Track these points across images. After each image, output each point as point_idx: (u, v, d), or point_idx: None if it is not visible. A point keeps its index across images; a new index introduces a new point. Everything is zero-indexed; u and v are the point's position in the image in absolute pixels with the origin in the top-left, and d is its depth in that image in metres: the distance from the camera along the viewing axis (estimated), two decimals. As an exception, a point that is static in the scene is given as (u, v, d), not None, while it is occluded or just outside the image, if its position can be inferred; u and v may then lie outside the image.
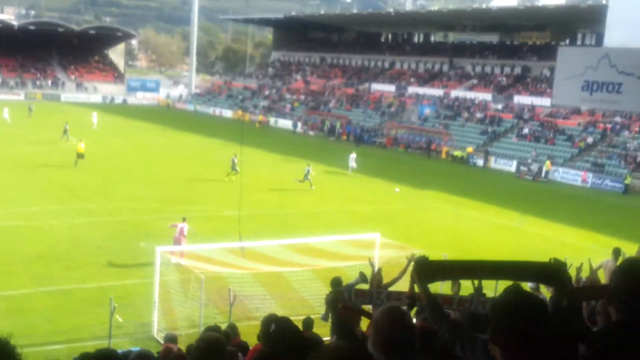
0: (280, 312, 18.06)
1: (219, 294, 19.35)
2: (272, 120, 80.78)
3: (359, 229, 25.28)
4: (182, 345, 13.65)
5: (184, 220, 24.22)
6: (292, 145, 59.12)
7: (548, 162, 51.60)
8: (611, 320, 3.63)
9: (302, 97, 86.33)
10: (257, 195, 35.12)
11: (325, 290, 18.96)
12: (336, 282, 14.44)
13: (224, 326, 16.10)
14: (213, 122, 79.34)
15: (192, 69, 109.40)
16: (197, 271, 18.22)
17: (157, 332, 16.93)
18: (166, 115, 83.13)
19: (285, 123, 78.04)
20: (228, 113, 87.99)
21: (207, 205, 33.44)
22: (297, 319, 7.30)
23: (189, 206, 32.82)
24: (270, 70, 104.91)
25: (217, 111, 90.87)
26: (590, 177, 49.45)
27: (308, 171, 39.47)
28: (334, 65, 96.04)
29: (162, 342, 13.80)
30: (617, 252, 17.85)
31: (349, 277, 17.07)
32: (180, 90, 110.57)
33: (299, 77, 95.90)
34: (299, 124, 75.51)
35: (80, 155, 41.18)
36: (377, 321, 3.55)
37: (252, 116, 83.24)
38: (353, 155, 46.20)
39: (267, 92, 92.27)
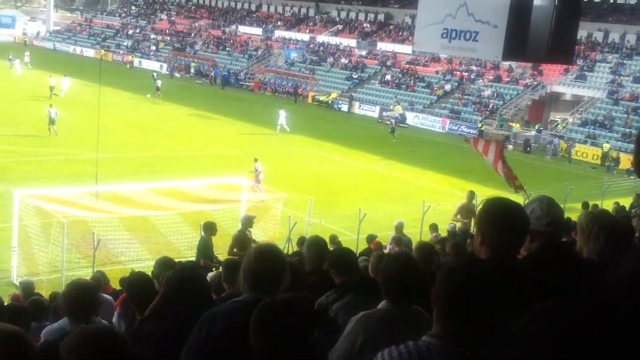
0: (147, 256, 18.00)
1: (83, 239, 18.97)
2: (136, 61, 77.71)
3: (225, 173, 25.28)
4: (42, 291, 13.37)
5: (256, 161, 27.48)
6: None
7: (399, 107, 53.26)
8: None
9: (168, 37, 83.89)
10: (118, 138, 34.28)
11: (193, 233, 19.00)
12: (209, 227, 14.54)
13: (88, 271, 15.92)
14: (73, 60, 75.38)
15: (50, 5, 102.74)
16: (59, 215, 17.66)
17: (17, 278, 16.38)
18: (23, 52, 77.50)
19: (151, 64, 75.71)
20: (90, 52, 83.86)
21: (68, 148, 32.16)
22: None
23: (48, 148, 31.61)
24: (133, 8, 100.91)
25: (78, 50, 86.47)
26: (447, 124, 51.53)
27: None
28: (200, 6, 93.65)
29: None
30: (471, 194, 18.99)
31: (217, 221, 17.22)
32: (38, 27, 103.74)
33: (164, 16, 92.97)
34: (164, 66, 73.56)
35: None
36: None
37: (115, 56, 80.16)
38: (283, 113, 43.03)
39: (130, 32, 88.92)
